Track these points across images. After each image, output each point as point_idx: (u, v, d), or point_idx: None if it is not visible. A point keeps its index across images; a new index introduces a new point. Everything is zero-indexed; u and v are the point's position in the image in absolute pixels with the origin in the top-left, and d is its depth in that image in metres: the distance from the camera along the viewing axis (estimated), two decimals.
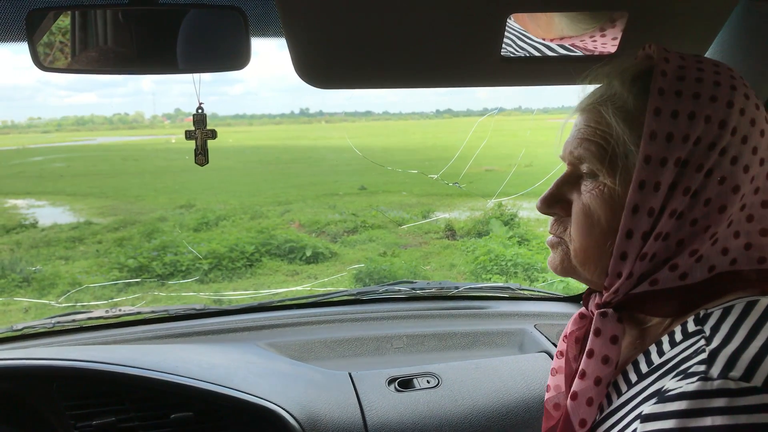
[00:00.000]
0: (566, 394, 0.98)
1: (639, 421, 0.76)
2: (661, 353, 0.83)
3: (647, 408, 0.76)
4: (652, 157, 0.82)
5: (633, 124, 0.86)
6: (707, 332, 0.77)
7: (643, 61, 0.92)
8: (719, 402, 0.70)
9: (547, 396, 1.06)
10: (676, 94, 0.83)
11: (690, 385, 0.72)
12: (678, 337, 0.82)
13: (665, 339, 0.84)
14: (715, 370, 0.72)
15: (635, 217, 0.84)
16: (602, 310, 0.90)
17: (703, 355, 0.75)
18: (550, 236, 0.98)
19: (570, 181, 0.94)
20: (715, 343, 0.75)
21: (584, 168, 0.91)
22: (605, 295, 0.90)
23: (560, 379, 1.03)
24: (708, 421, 0.70)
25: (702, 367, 0.73)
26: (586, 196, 0.90)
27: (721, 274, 0.84)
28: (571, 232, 0.93)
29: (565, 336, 1.02)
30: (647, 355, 0.85)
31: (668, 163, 0.82)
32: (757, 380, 0.70)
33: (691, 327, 0.81)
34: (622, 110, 0.87)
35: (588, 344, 0.90)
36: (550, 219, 0.99)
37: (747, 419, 0.68)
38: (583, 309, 1.00)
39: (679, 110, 0.82)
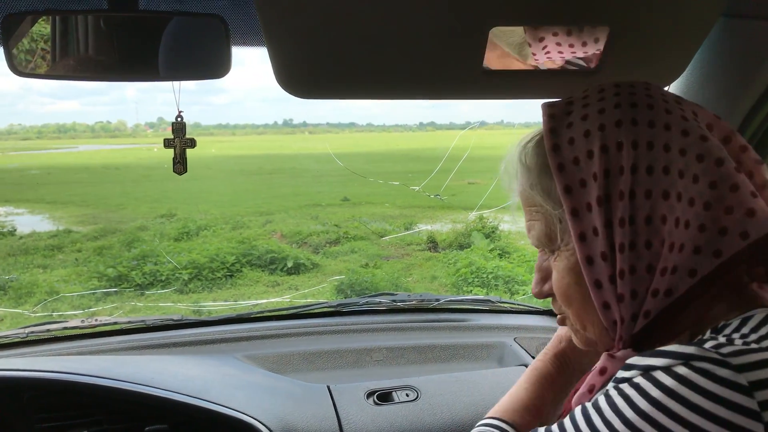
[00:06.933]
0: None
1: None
2: None
3: (630, 359, 0.78)
4: (578, 208, 0.84)
5: (549, 189, 0.88)
6: (719, 337, 0.77)
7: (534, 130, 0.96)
8: (685, 357, 0.71)
9: None
10: (570, 143, 0.85)
11: (670, 348, 0.73)
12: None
13: None
14: (698, 345, 0.72)
15: (594, 267, 0.84)
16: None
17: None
18: (558, 315, 1.00)
19: (544, 261, 0.97)
20: (719, 338, 0.76)
21: (546, 249, 0.95)
22: (615, 345, 0.89)
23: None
24: (670, 371, 0.71)
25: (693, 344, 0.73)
26: (555, 267, 0.92)
27: (710, 274, 0.80)
28: (561, 304, 0.94)
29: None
30: None
31: (592, 206, 0.83)
32: (734, 360, 0.69)
33: (707, 336, 0.80)
34: (536, 185, 0.90)
35: (600, 363, 0.90)
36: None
37: (702, 382, 0.68)
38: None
39: (578, 156, 0.84)
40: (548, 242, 0.92)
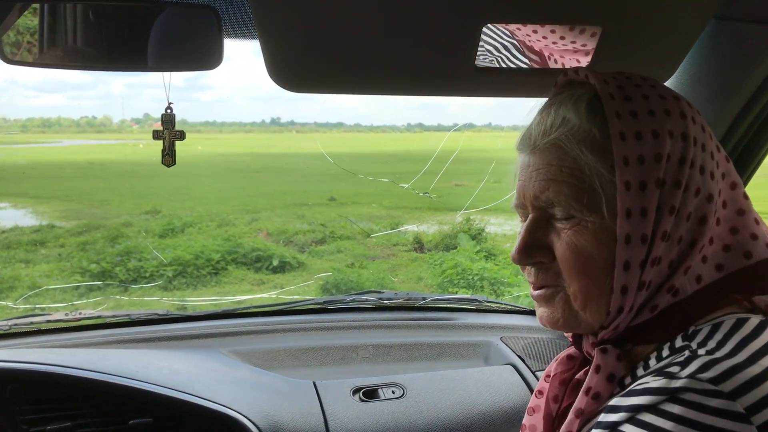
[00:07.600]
0: None
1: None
2: (646, 368, 0.82)
3: (613, 400, 0.78)
4: (632, 183, 0.80)
5: (602, 153, 0.82)
6: (694, 346, 0.77)
7: (581, 88, 0.90)
8: (671, 392, 0.70)
9: None
10: (632, 115, 0.82)
11: (656, 381, 0.73)
12: (665, 353, 0.81)
13: (653, 356, 0.83)
14: (686, 371, 0.71)
15: (629, 247, 0.81)
16: (602, 346, 0.87)
17: (682, 358, 0.75)
18: (540, 290, 0.91)
19: (541, 225, 0.89)
20: (698, 351, 0.75)
21: (557, 209, 0.86)
22: (603, 332, 0.87)
23: (537, 419, 1.00)
24: (659, 410, 0.70)
25: (676, 369, 0.73)
26: (570, 234, 0.85)
27: (715, 284, 0.83)
28: (565, 275, 0.87)
29: (548, 376, 0.99)
30: (633, 370, 0.85)
31: (648, 185, 0.80)
32: (726, 387, 0.69)
33: (679, 343, 0.80)
34: (588, 142, 0.84)
35: (586, 382, 0.87)
36: (528, 272, 0.92)
37: (700, 418, 0.68)
38: (571, 350, 0.97)
39: (641, 131, 0.81)
40: (572, 205, 0.84)
